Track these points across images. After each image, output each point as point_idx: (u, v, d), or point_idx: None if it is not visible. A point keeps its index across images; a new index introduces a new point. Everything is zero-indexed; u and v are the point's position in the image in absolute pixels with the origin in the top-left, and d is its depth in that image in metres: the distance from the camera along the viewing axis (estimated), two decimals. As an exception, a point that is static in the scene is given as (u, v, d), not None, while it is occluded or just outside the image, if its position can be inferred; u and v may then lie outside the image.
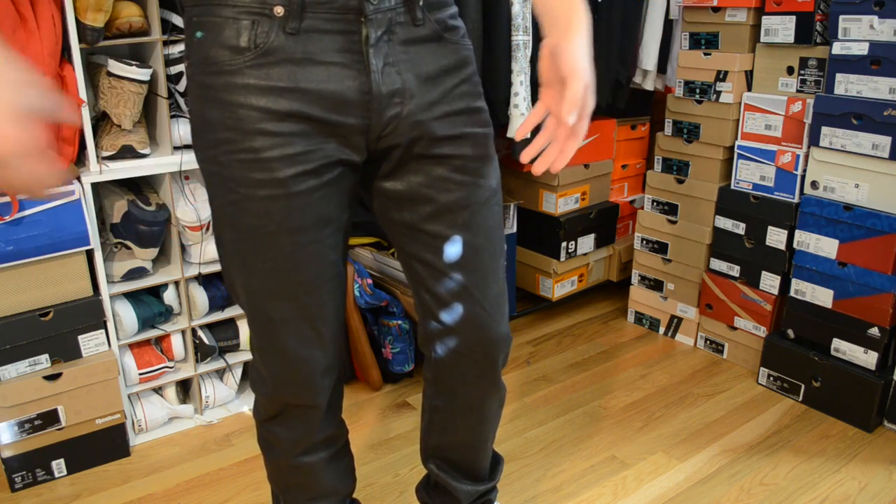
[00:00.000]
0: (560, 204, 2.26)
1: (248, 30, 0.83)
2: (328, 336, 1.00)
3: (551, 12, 0.90)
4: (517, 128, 1.87)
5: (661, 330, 2.34)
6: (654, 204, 2.26)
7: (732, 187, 2.04)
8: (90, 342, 1.61)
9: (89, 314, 1.59)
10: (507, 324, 1.07)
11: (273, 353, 1.00)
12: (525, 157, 0.90)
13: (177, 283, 1.74)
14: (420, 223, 0.98)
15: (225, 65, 0.85)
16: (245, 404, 1.90)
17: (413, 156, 0.95)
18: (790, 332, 1.95)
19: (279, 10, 0.83)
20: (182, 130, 1.65)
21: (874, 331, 1.76)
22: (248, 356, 1.86)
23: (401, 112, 0.91)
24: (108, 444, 1.67)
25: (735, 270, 2.08)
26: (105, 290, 1.60)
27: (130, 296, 1.69)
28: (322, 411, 1.06)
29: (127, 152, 1.58)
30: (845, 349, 1.83)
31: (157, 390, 1.81)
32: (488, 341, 1.05)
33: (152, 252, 1.65)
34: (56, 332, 1.56)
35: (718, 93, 2.01)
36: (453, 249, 0.99)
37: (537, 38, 1.88)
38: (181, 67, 1.63)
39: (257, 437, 1.15)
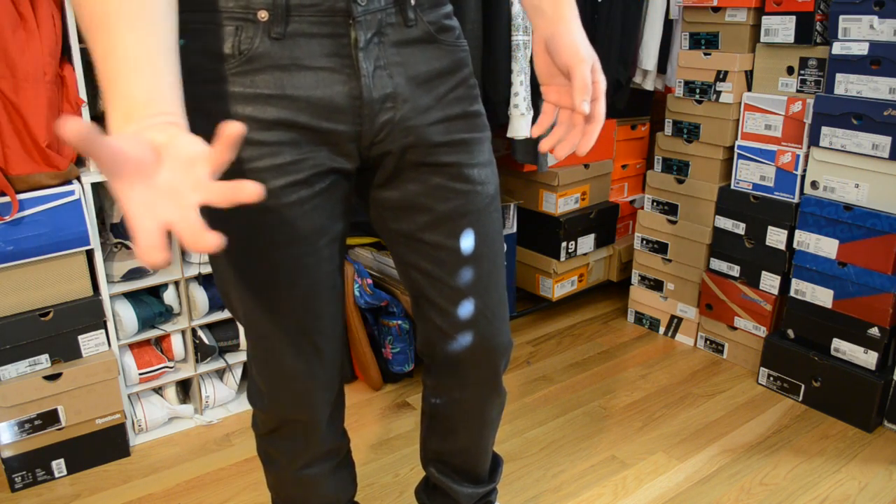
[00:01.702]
0: (560, 204, 2.26)
1: (231, 36, 0.80)
2: (326, 349, 0.98)
3: (538, 4, 0.89)
4: (518, 128, 1.87)
5: (661, 330, 2.34)
6: (654, 204, 2.26)
7: (732, 187, 2.04)
8: (90, 342, 1.61)
9: (89, 314, 1.59)
10: (509, 330, 1.06)
11: (269, 367, 0.97)
12: (544, 146, 0.88)
13: (177, 283, 1.74)
14: (418, 232, 0.95)
15: (209, 73, 0.82)
16: (244, 405, 1.90)
17: (408, 164, 0.92)
18: (790, 332, 1.95)
19: (263, 15, 0.79)
20: (182, 130, 1.65)
21: (874, 331, 1.76)
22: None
23: (394, 117, 0.87)
24: (108, 444, 1.67)
25: (735, 270, 2.08)
26: (105, 290, 1.60)
27: (130, 296, 1.69)
28: (322, 425, 1.04)
29: (127, 152, 1.58)
30: (845, 349, 1.83)
31: (157, 390, 1.81)
32: (490, 348, 1.03)
33: (152, 252, 1.65)
34: (56, 332, 1.56)
35: (718, 93, 2.01)
36: (453, 258, 0.96)
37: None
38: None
39: (257, 449, 1.13)
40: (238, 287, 0.92)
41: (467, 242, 0.96)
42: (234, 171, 0.83)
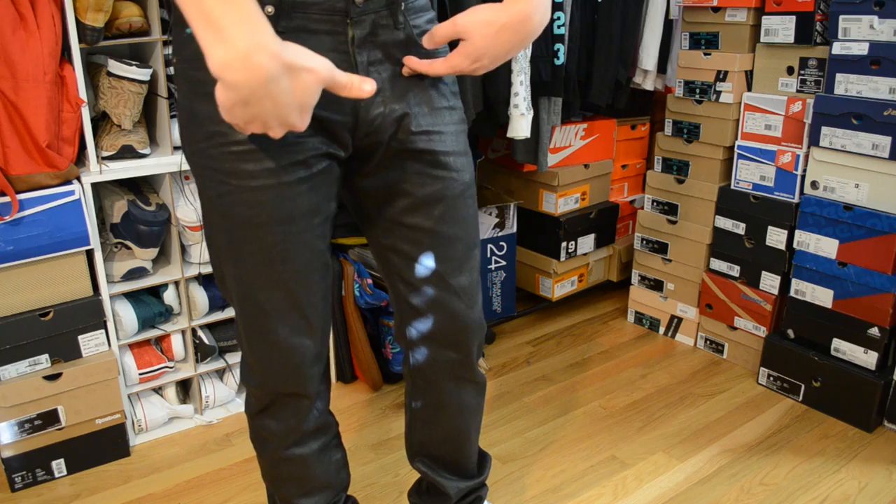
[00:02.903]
0: (560, 204, 2.26)
1: None
2: (317, 324, 1.03)
3: None
4: (518, 128, 1.87)
5: (661, 330, 2.34)
6: (654, 204, 2.26)
7: (732, 187, 2.04)
8: (90, 342, 1.61)
9: (89, 314, 1.59)
10: (481, 312, 1.11)
11: (263, 342, 1.01)
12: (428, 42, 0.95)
13: (177, 283, 1.74)
14: (398, 216, 1.02)
15: None
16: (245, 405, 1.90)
17: (391, 152, 0.98)
18: (790, 332, 1.95)
19: (269, 10, 0.85)
20: (182, 130, 1.65)
21: (874, 331, 1.76)
22: (248, 356, 1.86)
23: (384, 110, 0.95)
24: (108, 444, 1.67)
25: (735, 270, 2.08)
26: (105, 290, 1.60)
27: (130, 296, 1.69)
28: (312, 400, 1.08)
29: (127, 152, 1.58)
30: (845, 349, 1.83)
31: (157, 390, 1.81)
32: (461, 328, 1.08)
33: (152, 252, 1.65)
34: (56, 332, 1.56)
35: (718, 93, 2.01)
36: (429, 240, 1.02)
37: (537, 38, 1.88)
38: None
39: (250, 433, 1.16)
40: (235, 263, 0.97)
41: (443, 225, 1.02)
42: (237, 152, 0.89)
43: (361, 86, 0.80)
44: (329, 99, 0.89)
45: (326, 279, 1.03)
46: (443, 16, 1.72)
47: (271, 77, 0.70)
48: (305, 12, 0.86)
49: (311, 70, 0.74)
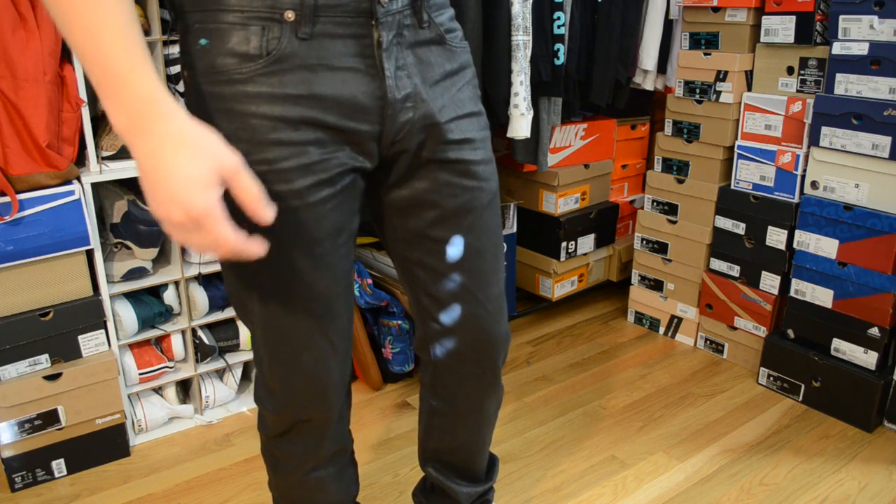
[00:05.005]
0: (560, 204, 2.26)
1: (257, 36, 0.80)
2: (342, 348, 0.99)
3: None
4: (518, 128, 1.87)
5: (661, 330, 2.34)
6: (654, 204, 2.26)
7: (732, 187, 2.04)
8: (90, 342, 1.61)
9: (89, 314, 1.59)
10: (507, 324, 1.08)
11: (288, 368, 0.97)
12: None
13: (177, 283, 1.74)
14: (425, 229, 0.97)
15: (234, 73, 0.82)
16: (245, 404, 1.90)
17: (420, 161, 0.94)
18: (790, 332, 1.95)
19: (290, 15, 0.80)
20: (182, 130, 1.65)
21: (874, 331, 1.76)
22: (248, 356, 1.86)
23: (413, 117, 0.90)
24: (108, 444, 1.67)
25: (735, 270, 2.08)
26: (105, 290, 1.60)
27: (130, 296, 1.69)
28: (333, 424, 1.05)
29: (127, 152, 1.58)
30: (845, 349, 1.83)
31: (157, 390, 1.81)
32: (489, 341, 1.05)
33: (152, 252, 1.65)
34: (56, 332, 1.56)
35: (718, 93, 2.01)
36: (457, 252, 0.98)
37: (537, 37, 1.88)
38: (181, 67, 1.63)
39: (262, 452, 1.13)
40: (259, 290, 0.92)
41: (471, 238, 0.98)
42: (261, 172, 0.83)
43: (261, 211, 0.74)
44: (354, 108, 0.85)
45: (351, 301, 0.99)
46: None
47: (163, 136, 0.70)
48: (329, 15, 0.81)
49: (209, 156, 0.71)
